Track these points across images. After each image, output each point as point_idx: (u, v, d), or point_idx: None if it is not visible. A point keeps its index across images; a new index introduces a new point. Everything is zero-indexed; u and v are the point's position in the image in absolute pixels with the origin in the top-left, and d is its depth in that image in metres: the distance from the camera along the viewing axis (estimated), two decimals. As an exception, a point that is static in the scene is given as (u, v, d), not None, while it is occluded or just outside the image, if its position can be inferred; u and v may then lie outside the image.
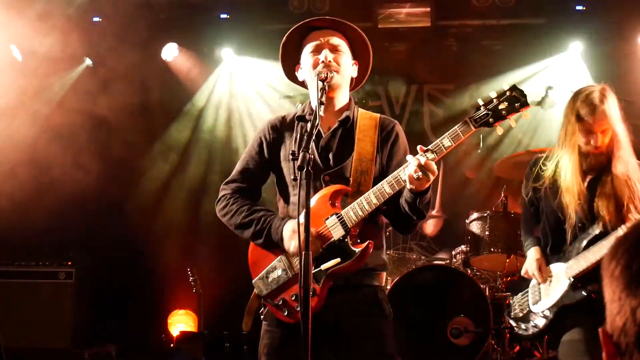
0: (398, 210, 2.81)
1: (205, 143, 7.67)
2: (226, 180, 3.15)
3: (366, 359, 2.84)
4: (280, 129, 3.08)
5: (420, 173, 2.58)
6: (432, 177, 2.61)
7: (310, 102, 3.08)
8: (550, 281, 3.55)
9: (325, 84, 2.83)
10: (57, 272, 6.46)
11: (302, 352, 2.36)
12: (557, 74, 7.14)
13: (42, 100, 6.84)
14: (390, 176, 2.74)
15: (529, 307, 3.66)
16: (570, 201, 3.44)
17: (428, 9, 7.02)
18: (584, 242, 3.40)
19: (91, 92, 6.99)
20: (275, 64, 3.21)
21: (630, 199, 3.34)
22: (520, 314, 3.71)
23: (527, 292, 3.71)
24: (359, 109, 3.08)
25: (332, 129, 2.98)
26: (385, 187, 2.74)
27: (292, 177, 2.90)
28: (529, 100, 2.68)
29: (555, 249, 3.56)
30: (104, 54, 6.99)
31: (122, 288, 7.17)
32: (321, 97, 2.79)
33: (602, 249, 3.29)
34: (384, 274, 3.02)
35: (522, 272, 3.72)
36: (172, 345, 6.20)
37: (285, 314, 2.87)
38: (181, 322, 7.05)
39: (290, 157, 2.74)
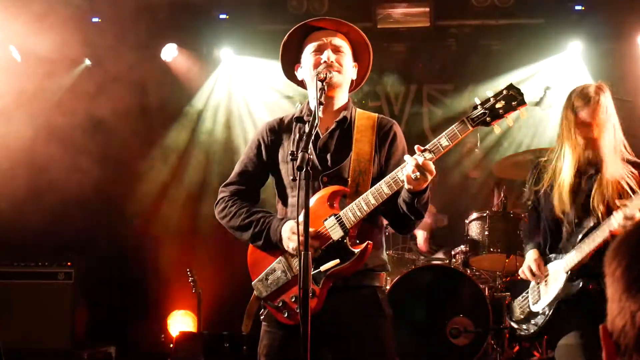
0: (396, 210, 2.81)
1: (205, 144, 7.67)
2: (225, 183, 3.15)
3: (366, 360, 2.84)
4: (278, 130, 3.08)
5: (418, 173, 2.58)
6: (430, 177, 2.61)
7: (308, 103, 3.07)
8: (548, 280, 3.56)
9: (324, 84, 2.83)
10: (57, 273, 6.46)
11: (301, 353, 2.36)
12: (557, 73, 7.14)
13: (41, 101, 6.84)
14: (388, 176, 2.74)
15: (529, 308, 3.67)
16: (567, 198, 3.47)
17: (427, 9, 7.02)
18: (580, 236, 3.43)
19: (90, 92, 6.99)
20: (275, 64, 3.20)
21: (619, 193, 3.35)
22: (522, 316, 3.72)
23: (527, 293, 3.72)
24: (357, 109, 3.08)
25: (329, 130, 2.97)
26: (384, 187, 2.73)
27: (291, 178, 2.90)
28: (526, 99, 2.68)
29: (554, 247, 3.58)
30: (103, 54, 6.99)
31: (122, 288, 7.17)
32: (320, 97, 2.79)
33: (596, 239, 3.32)
34: (384, 275, 3.01)
35: (520, 274, 3.73)
36: (171, 345, 6.19)
37: (285, 315, 2.87)
38: (180, 323, 7.04)
39: (289, 158, 2.74)
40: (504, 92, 2.69)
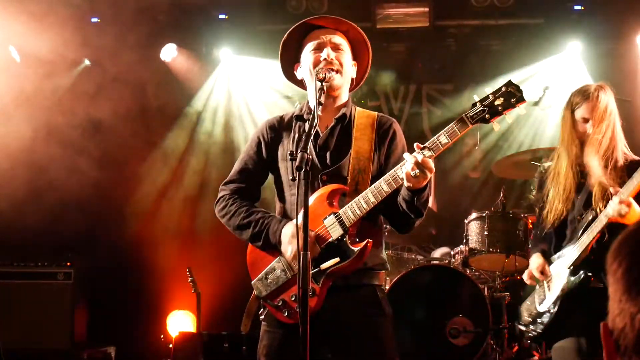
0: (396, 209, 2.81)
1: (204, 144, 7.66)
2: (225, 181, 3.15)
3: (366, 359, 2.84)
4: (278, 128, 3.08)
5: (417, 170, 2.58)
6: (429, 175, 2.61)
7: (308, 102, 3.07)
8: (552, 279, 3.56)
9: (323, 84, 2.83)
10: (56, 273, 6.45)
11: (301, 352, 2.36)
12: (556, 74, 7.14)
13: (41, 101, 6.83)
14: (387, 174, 2.74)
15: (536, 309, 3.67)
16: (568, 198, 3.48)
17: (426, 9, 7.02)
18: (580, 232, 3.45)
19: (90, 93, 6.99)
20: (274, 64, 3.20)
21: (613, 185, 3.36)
22: (529, 319, 3.71)
23: (533, 296, 3.72)
24: (357, 107, 3.08)
25: (329, 127, 2.97)
26: (383, 185, 2.73)
27: (291, 177, 2.90)
28: (526, 97, 2.68)
29: (558, 247, 3.59)
30: (102, 54, 6.98)
31: (121, 289, 7.17)
32: (319, 97, 2.78)
33: (594, 229, 3.35)
34: (384, 273, 3.01)
35: (524, 278, 3.73)
36: (170, 345, 6.19)
37: (285, 314, 2.87)
38: (180, 323, 7.04)
39: (289, 157, 2.74)
40: (503, 89, 2.69)
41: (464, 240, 5.75)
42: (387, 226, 4.84)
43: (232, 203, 3.05)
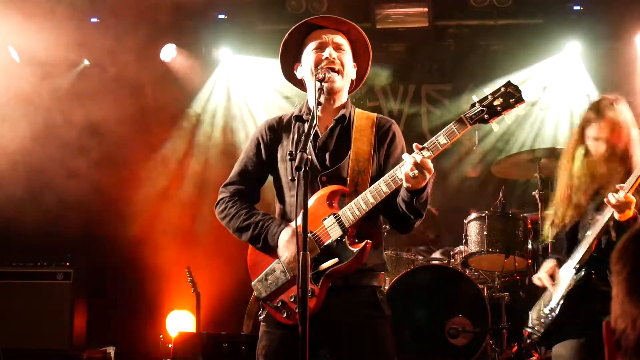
0: (396, 210, 2.81)
1: (204, 144, 7.66)
2: (225, 183, 3.15)
3: (365, 360, 2.84)
4: (277, 129, 3.07)
5: (416, 171, 2.58)
6: (428, 175, 2.61)
7: (307, 102, 3.07)
8: (560, 280, 3.55)
9: (323, 84, 2.83)
10: (55, 273, 6.45)
11: (300, 353, 2.36)
12: (555, 74, 7.14)
13: (40, 102, 6.83)
14: (386, 175, 2.74)
15: (542, 311, 3.66)
16: (580, 204, 3.48)
17: (426, 9, 7.02)
18: (588, 231, 3.45)
19: (89, 93, 6.99)
20: (274, 64, 3.20)
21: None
22: (536, 321, 3.71)
23: (543, 298, 3.71)
24: (356, 108, 3.08)
25: (328, 128, 2.97)
26: (382, 186, 2.73)
27: (290, 178, 2.89)
28: (525, 97, 2.68)
29: (570, 250, 3.58)
30: (101, 55, 6.98)
31: (120, 289, 7.17)
32: (319, 97, 2.78)
33: (598, 226, 3.36)
34: (383, 274, 3.02)
35: (534, 280, 3.72)
36: (170, 345, 6.19)
37: (285, 315, 2.87)
38: (179, 323, 7.04)
39: (288, 157, 2.74)
40: (502, 89, 2.69)
41: (464, 241, 5.76)
42: (387, 226, 4.85)
43: (232, 205, 3.05)
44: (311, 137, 2.61)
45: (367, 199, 2.75)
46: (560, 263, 3.63)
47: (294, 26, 3.05)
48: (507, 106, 2.67)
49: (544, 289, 3.72)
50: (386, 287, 5.20)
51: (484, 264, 5.73)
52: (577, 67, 7.14)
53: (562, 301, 3.50)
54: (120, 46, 6.65)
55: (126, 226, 7.17)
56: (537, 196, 5.53)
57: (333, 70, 2.89)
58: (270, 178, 3.13)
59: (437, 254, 6.26)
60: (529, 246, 5.63)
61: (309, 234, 2.61)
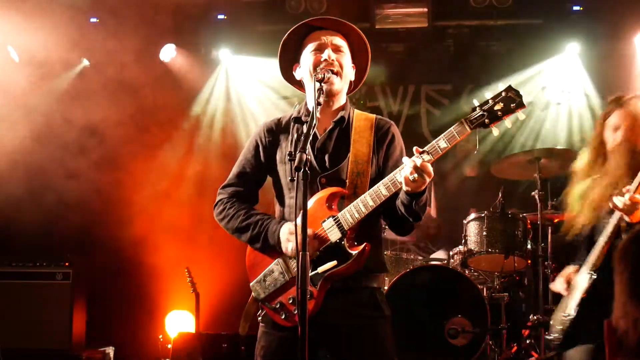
0: (395, 212, 2.81)
1: (203, 144, 7.66)
2: (223, 184, 3.15)
3: (365, 361, 2.84)
4: (276, 131, 3.07)
5: (416, 175, 2.58)
6: (428, 179, 2.61)
7: (306, 103, 3.07)
8: (577, 286, 3.53)
9: (322, 84, 2.83)
10: (54, 273, 6.44)
11: (299, 354, 2.36)
12: (555, 74, 7.15)
13: (39, 101, 6.83)
14: (386, 178, 2.74)
15: (562, 319, 3.64)
16: (599, 206, 3.44)
17: (425, 10, 7.02)
18: (601, 236, 3.40)
19: (89, 93, 6.99)
20: (273, 64, 3.20)
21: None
22: (556, 328, 3.68)
23: (561, 304, 3.68)
24: (355, 110, 3.07)
25: (327, 130, 2.97)
26: (382, 189, 2.73)
27: (289, 179, 2.89)
28: (525, 100, 2.69)
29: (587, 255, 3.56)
30: (101, 55, 6.98)
31: (120, 289, 7.17)
32: (318, 97, 2.78)
33: (608, 227, 3.31)
34: (383, 276, 3.02)
35: (552, 288, 3.69)
36: (169, 346, 6.19)
37: (283, 317, 2.87)
38: (178, 323, 7.04)
39: (287, 158, 2.74)
40: (503, 94, 2.69)
41: (463, 241, 5.76)
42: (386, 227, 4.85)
43: (230, 206, 3.05)
44: (310, 138, 2.60)
45: (366, 201, 2.75)
46: (579, 266, 3.60)
47: (293, 27, 3.05)
48: (507, 111, 2.67)
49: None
50: (386, 288, 5.20)
51: (484, 264, 5.73)
52: (576, 67, 7.14)
53: (577, 307, 3.48)
54: (120, 46, 6.65)
55: (126, 226, 7.17)
56: (536, 196, 5.53)
57: (332, 72, 2.89)
58: (269, 179, 3.13)
59: (436, 255, 6.26)
60: (529, 246, 5.63)
61: (309, 232, 2.60)
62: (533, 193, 5.56)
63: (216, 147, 7.62)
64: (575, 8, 7.03)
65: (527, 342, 5.54)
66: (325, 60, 2.90)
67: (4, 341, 5.83)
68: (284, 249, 2.85)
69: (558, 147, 6.29)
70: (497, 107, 2.67)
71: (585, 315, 3.45)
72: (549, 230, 5.71)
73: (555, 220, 5.73)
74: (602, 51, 7.02)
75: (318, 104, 2.77)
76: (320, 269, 2.76)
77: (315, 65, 2.92)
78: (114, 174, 7.18)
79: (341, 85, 2.97)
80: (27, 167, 6.54)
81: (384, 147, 2.96)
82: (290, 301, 2.84)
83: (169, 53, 7.39)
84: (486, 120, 2.67)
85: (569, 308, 3.55)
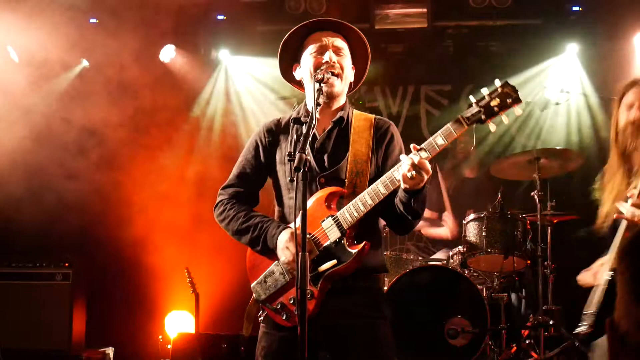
0: (394, 211, 2.81)
1: (203, 144, 7.66)
2: (223, 185, 3.15)
3: (365, 362, 2.84)
4: (275, 132, 3.08)
5: (413, 172, 2.58)
6: (426, 176, 2.61)
7: (305, 104, 3.08)
8: (601, 281, 3.49)
9: (322, 85, 2.83)
10: (54, 274, 6.45)
11: (299, 354, 2.36)
12: (554, 74, 7.15)
13: (39, 102, 6.83)
14: (384, 176, 2.74)
15: (588, 312, 3.60)
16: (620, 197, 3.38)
17: (425, 10, 7.02)
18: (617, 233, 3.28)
19: (88, 93, 6.99)
20: (273, 64, 3.21)
21: None
22: (584, 321, 3.64)
23: (588, 300, 3.64)
24: (354, 110, 3.08)
25: (326, 130, 2.98)
26: (380, 187, 2.73)
27: (289, 179, 2.90)
28: (525, 100, 2.69)
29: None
30: (100, 55, 6.98)
31: (119, 289, 7.17)
32: (317, 98, 2.79)
33: (620, 231, 3.18)
34: (383, 276, 3.02)
35: (579, 280, 3.66)
36: (169, 346, 6.19)
37: (284, 317, 2.87)
38: (178, 323, 7.04)
39: (287, 159, 2.74)
40: (499, 89, 2.70)
41: (462, 241, 5.76)
42: (387, 227, 4.85)
43: (230, 207, 3.05)
44: (310, 138, 2.61)
45: (365, 200, 2.75)
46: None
47: (294, 27, 3.06)
48: (504, 106, 2.68)
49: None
50: (385, 288, 5.20)
51: (483, 264, 5.73)
52: (575, 67, 7.15)
53: (598, 304, 3.44)
54: (120, 47, 6.65)
55: (125, 227, 7.17)
56: (535, 197, 5.53)
57: (333, 74, 2.90)
58: (269, 181, 3.13)
59: (436, 255, 6.26)
60: (528, 247, 5.63)
61: (308, 236, 2.61)
62: (532, 193, 5.56)
63: (216, 148, 7.62)
64: (575, 8, 7.03)
65: (527, 342, 5.54)
66: (327, 62, 2.91)
67: (3, 341, 5.84)
68: (279, 256, 2.86)
69: (557, 148, 6.29)
70: (493, 103, 2.68)
71: (609, 309, 3.40)
72: (549, 231, 5.72)
73: (555, 221, 5.74)
74: (602, 51, 7.03)
75: (317, 104, 2.77)
76: (320, 269, 2.76)
77: (316, 67, 2.92)
78: (113, 174, 7.18)
79: (342, 87, 2.99)
80: (27, 168, 6.54)
81: (383, 146, 2.97)
82: (291, 301, 2.85)
83: (168, 54, 7.39)
84: (482, 116, 2.68)
85: (593, 304, 3.52)
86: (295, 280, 2.72)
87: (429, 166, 2.61)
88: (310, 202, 2.80)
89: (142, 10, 6.43)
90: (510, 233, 5.54)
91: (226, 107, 7.71)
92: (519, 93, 2.68)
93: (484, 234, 5.55)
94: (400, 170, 2.64)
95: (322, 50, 2.96)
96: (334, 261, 2.75)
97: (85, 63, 7.33)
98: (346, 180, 2.87)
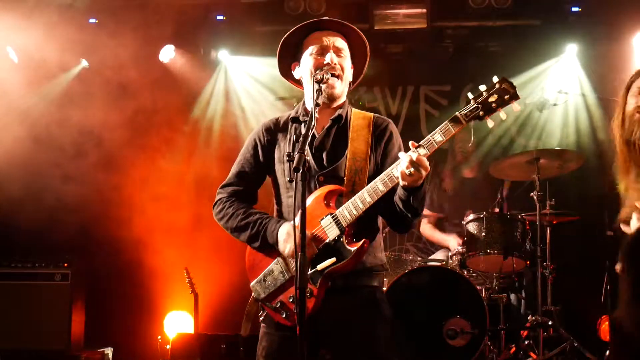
0: (393, 208, 2.81)
1: (203, 144, 7.66)
2: (222, 184, 3.16)
3: (364, 361, 2.84)
4: (274, 131, 3.08)
5: (412, 169, 2.59)
6: (424, 173, 2.62)
7: (304, 103, 3.08)
8: None
9: (321, 85, 2.83)
10: (53, 274, 6.45)
11: (299, 352, 2.36)
12: (553, 75, 7.15)
13: (38, 102, 6.83)
14: (383, 174, 2.75)
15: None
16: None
17: (424, 10, 7.01)
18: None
19: (88, 94, 6.99)
20: (273, 65, 3.21)
21: None
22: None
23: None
24: (353, 108, 3.08)
25: (325, 128, 2.98)
26: (379, 184, 2.74)
27: (288, 179, 2.90)
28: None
29: None
30: (100, 56, 6.98)
31: (118, 289, 7.16)
32: (317, 98, 2.79)
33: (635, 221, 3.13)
34: (383, 274, 3.02)
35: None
36: (168, 346, 6.18)
37: (284, 316, 2.87)
38: (177, 324, 7.03)
39: (286, 158, 2.75)
40: (497, 85, 2.70)
41: (462, 242, 5.76)
42: (387, 227, 4.85)
43: (229, 206, 3.05)
44: (309, 138, 2.61)
45: (364, 197, 2.75)
46: None
47: (294, 27, 3.06)
48: (501, 103, 2.68)
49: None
50: (384, 288, 5.20)
51: (482, 265, 5.72)
52: (574, 67, 7.15)
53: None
54: (119, 47, 6.64)
55: (125, 227, 7.16)
56: (535, 197, 5.53)
57: (333, 75, 2.90)
58: (268, 180, 3.14)
59: (435, 255, 6.26)
60: (527, 247, 5.63)
61: (307, 234, 2.61)
62: (532, 194, 5.56)
63: (215, 148, 7.62)
64: (574, 9, 7.03)
65: (526, 342, 5.54)
66: (328, 64, 2.91)
67: (3, 342, 5.84)
68: (281, 250, 2.86)
69: (557, 148, 6.29)
70: (491, 99, 2.68)
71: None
72: (548, 231, 5.72)
73: (555, 222, 5.75)
74: (601, 52, 7.02)
75: (317, 104, 2.77)
76: (319, 267, 2.76)
77: (317, 68, 2.92)
78: (113, 175, 7.18)
79: (342, 88, 3.00)
80: (26, 168, 6.54)
81: (382, 144, 2.97)
82: (291, 300, 2.85)
83: (168, 54, 7.38)
84: (480, 113, 2.68)
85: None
86: (294, 278, 2.72)
87: (427, 163, 2.62)
88: (309, 201, 2.80)
89: (142, 11, 6.43)
90: (509, 233, 5.54)
91: (226, 108, 7.71)
92: (517, 89, 2.67)
93: (483, 234, 5.55)
94: (399, 167, 2.64)
95: (322, 51, 2.96)
96: (333, 259, 2.75)
97: (84, 63, 7.33)
98: (345, 178, 2.87)
